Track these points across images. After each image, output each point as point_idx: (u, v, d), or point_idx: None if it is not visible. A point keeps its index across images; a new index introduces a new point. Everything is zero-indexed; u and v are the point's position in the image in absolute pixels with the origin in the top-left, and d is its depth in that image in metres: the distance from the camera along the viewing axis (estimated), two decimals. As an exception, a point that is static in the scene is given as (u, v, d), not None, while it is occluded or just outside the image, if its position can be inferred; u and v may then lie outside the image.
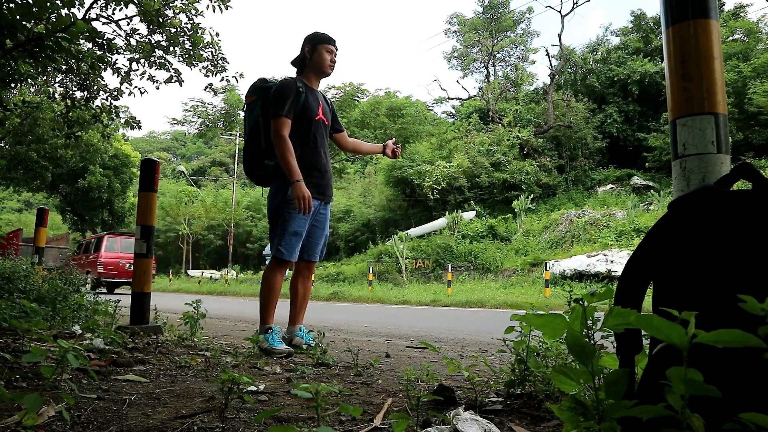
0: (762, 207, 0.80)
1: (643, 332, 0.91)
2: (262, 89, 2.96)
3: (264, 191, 3.09)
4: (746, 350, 0.61)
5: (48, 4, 3.18)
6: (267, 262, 2.56)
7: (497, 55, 32.42)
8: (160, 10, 5.08)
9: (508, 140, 22.18)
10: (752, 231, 0.80)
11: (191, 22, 5.39)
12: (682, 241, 0.86)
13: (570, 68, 24.94)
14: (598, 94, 23.75)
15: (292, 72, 3.06)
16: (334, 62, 2.98)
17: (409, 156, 23.10)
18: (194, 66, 5.67)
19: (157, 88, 5.85)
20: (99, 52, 5.01)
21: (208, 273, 27.05)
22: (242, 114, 22.45)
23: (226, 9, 5.43)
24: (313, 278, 2.85)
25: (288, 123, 2.78)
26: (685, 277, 0.84)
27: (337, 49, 2.99)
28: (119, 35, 5.34)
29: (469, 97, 28.47)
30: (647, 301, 0.91)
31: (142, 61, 5.51)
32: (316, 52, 2.93)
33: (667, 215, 0.91)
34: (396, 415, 0.99)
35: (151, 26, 5.21)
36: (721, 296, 0.78)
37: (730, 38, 21.72)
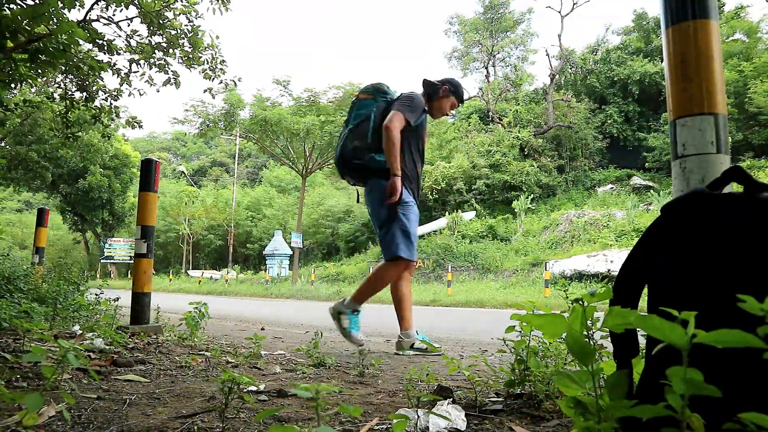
0: (752, 209, 0.80)
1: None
2: (379, 92, 3.12)
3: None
4: (741, 351, 0.61)
5: (49, 5, 3.18)
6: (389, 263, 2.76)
7: (497, 56, 32.40)
8: (161, 12, 5.08)
9: (508, 141, 22.18)
10: (743, 233, 0.80)
11: (191, 24, 5.39)
12: (675, 243, 0.87)
13: (570, 68, 24.95)
14: (598, 94, 23.75)
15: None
16: (447, 114, 3.26)
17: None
18: (194, 68, 5.67)
19: (158, 90, 5.85)
20: (99, 56, 5.01)
21: (208, 273, 27.04)
22: (243, 115, 22.13)
23: (227, 10, 5.43)
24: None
25: (405, 126, 2.92)
26: (679, 280, 0.85)
27: (460, 105, 3.28)
28: (119, 36, 5.34)
29: (469, 98, 28.47)
30: (645, 303, 0.91)
31: (141, 62, 5.51)
32: (446, 98, 3.18)
33: (660, 218, 0.91)
34: (396, 415, 0.99)
35: (151, 28, 5.20)
36: (714, 298, 0.79)
37: (731, 38, 21.73)
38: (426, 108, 3.08)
